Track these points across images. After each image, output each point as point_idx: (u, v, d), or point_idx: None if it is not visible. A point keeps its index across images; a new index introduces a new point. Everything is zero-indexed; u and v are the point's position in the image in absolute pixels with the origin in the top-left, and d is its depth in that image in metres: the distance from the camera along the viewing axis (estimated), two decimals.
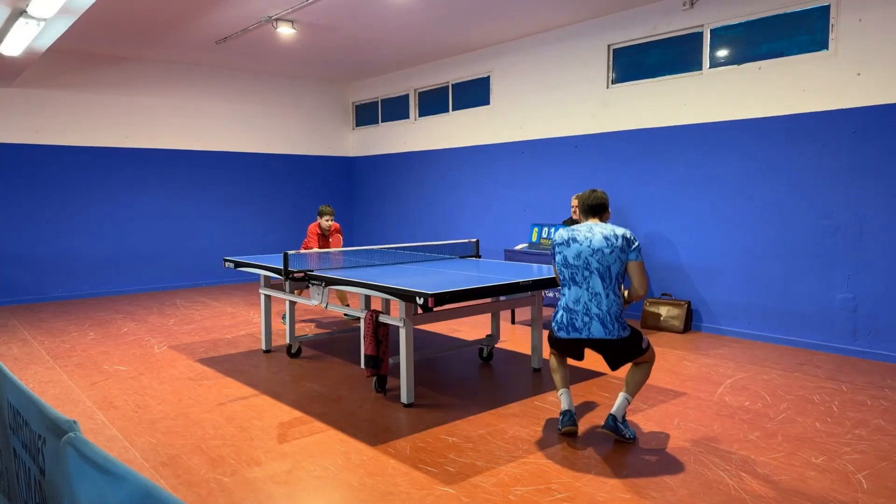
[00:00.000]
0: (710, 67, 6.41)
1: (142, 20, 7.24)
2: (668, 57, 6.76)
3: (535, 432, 3.77)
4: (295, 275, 4.82)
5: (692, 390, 4.57)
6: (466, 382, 4.82)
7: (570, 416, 3.66)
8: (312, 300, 4.81)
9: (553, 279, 4.36)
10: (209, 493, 3.03)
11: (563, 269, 3.60)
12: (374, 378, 4.54)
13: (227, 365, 5.34)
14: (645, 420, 3.96)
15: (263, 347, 5.78)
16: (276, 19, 7.17)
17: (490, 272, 4.84)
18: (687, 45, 6.60)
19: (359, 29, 7.75)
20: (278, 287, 5.65)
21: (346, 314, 4.69)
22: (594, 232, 3.53)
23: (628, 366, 4.07)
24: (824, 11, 5.59)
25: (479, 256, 6.10)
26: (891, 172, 5.25)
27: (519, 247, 7.00)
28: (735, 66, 6.21)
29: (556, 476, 3.18)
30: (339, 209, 11.42)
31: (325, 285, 4.63)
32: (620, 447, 3.54)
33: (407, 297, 3.87)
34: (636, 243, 3.53)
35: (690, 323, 6.53)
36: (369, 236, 11.06)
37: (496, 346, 5.64)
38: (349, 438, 3.69)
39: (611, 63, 7.31)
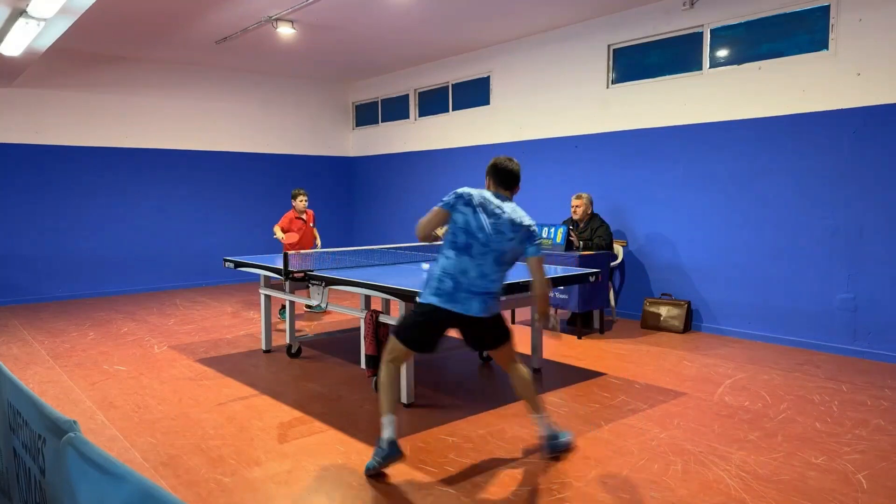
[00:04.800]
0: (710, 67, 6.41)
1: (142, 20, 7.24)
2: (668, 57, 6.76)
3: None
4: (295, 275, 4.82)
5: (692, 390, 4.57)
6: (466, 382, 4.82)
7: (397, 447, 3.16)
8: (312, 300, 4.80)
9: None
10: (209, 493, 3.03)
11: (459, 231, 3.16)
12: (375, 378, 4.53)
13: (227, 365, 5.34)
14: (645, 420, 3.96)
15: (263, 347, 5.78)
16: (276, 19, 7.17)
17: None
18: (687, 45, 6.60)
19: (359, 29, 7.74)
20: (278, 287, 5.65)
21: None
22: (505, 211, 3.19)
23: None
24: (824, 11, 5.59)
25: None
26: (891, 172, 5.25)
27: None
28: (735, 66, 6.21)
29: (556, 476, 3.18)
30: (339, 209, 11.42)
31: (325, 285, 4.63)
32: (620, 447, 3.54)
33: (407, 297, 3.87)
34: (538, 238, 3.28)
35: (690, 323, 6.53)
36: (369, 236, 11.05)
37: None
38: (349, 438, 3.69)
39: (611, 63, 7.31)
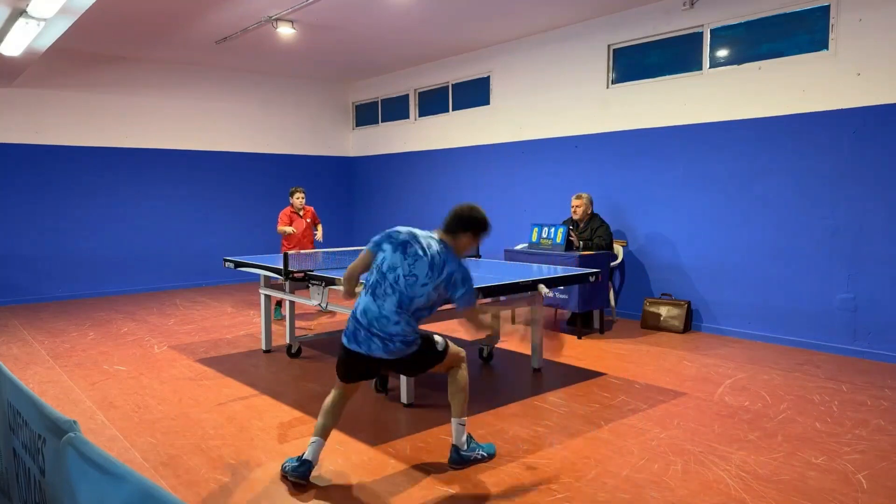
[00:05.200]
0: (710, 67, 6.41)
1: (142, 20, 7.24)
2: (668, 57, 6.76)
3: (535, 432, 3.77)
4: (295, 275, 4.82)
5: (692, 390, 4.57)
6: None
7: (308, 469, 3.09)
8: (312, 300, 4.80)
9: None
10: (209, 493, 3.03)
11: (374, 269, 3.09)
12: (376, 379, 4.53)
13: (227, 365, 5.34)
14: (645, 420, 3.96)
15: (263, 347, 5.78)
16: (276, 19, 7.16)
17: (490, 272, 4.84)
18: (687, 45, 6.60)
19: (359, 29, 7.74)
20: (278, 287, 5.65)
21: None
22: (427, 254, 3.01)
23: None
24: (824, 11, 5.59)
25: (479, 256, 6.10)
26: (891, 172, 5.25)
27: (519, 247, 7.00)
28: (735, 66, 6.20)
29: (555, 476, 3.18)
30: (339, 209, 11.42)
31: (325, 285, 4.63)
32: (620, 447, 3.54)
33: None
34: (466, 286, 3.01)
35: (690, 323, 6.53)
36: (369, 236, 11.02)
37: (496, 346, 5.64)
38: (349, 438, 3.69)
39: (611, 63, 7.31)
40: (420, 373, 3.34)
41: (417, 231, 3.12)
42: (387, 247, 3.09)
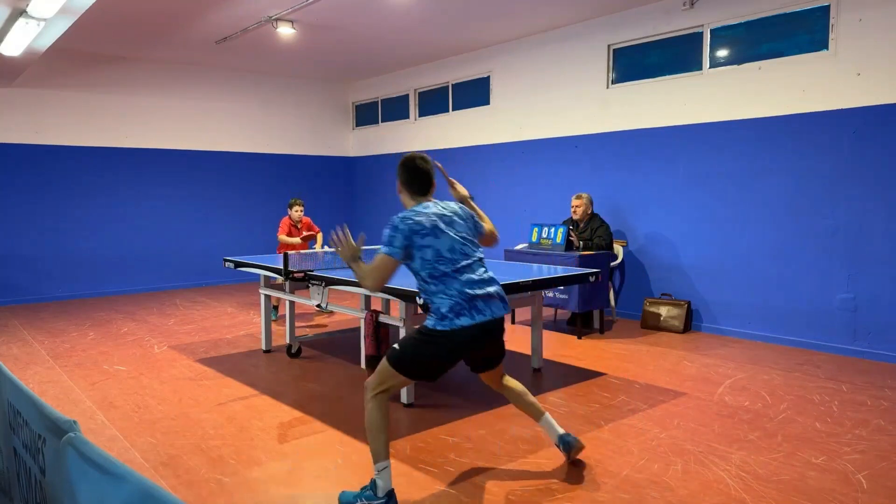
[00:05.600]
0: (710, 67, 6.41)
1: (142, 20, 7.24)
2: (668, 57, 6.76)
3: (535, 432, 3.77)
4: (295, 275, 4.83)
5: (692, 390, 4.57)
6: (466, 382, 4.82)
7: (395, 501, 2.81)
8: (312, 300, 4.80)
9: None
10: (209, 493, 3.03)
11: (436, 265, 2.84)
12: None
13: (227, 365, 5.34)
14: (645, 420, 3.96)
15: (263, 347, 5.78)
16: (276, 19, 7.17)
17: (489, 272, 4.83)
18: (687, 45, 6.60)
19: (359, 29, 7.75)
20: (278, 287, 5.65)
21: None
22: (453, 216, 2.98)
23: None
24: (824, 11, 5.59)
25: None
26: (891, 172, 5.25)
27: (519, 247, 7.00)
28: (735, 66, 6.21)
29: (556, 476, 3.18)
30: (339, 209, 11.42)
31: (325, 285, 4.63)
32: (620, 447, 3.54)
33: (407, 297, 3.87)
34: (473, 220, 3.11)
35: (690, 323, 6.53)
36: (369, 236, 11.04)
37: None
38: (349, 438, 3.69)
39: (611, 63, 7.31)
40: (497, 359, 3.13)
41: (426, 212, 2.91)
42: (425, 240, 2.83)
